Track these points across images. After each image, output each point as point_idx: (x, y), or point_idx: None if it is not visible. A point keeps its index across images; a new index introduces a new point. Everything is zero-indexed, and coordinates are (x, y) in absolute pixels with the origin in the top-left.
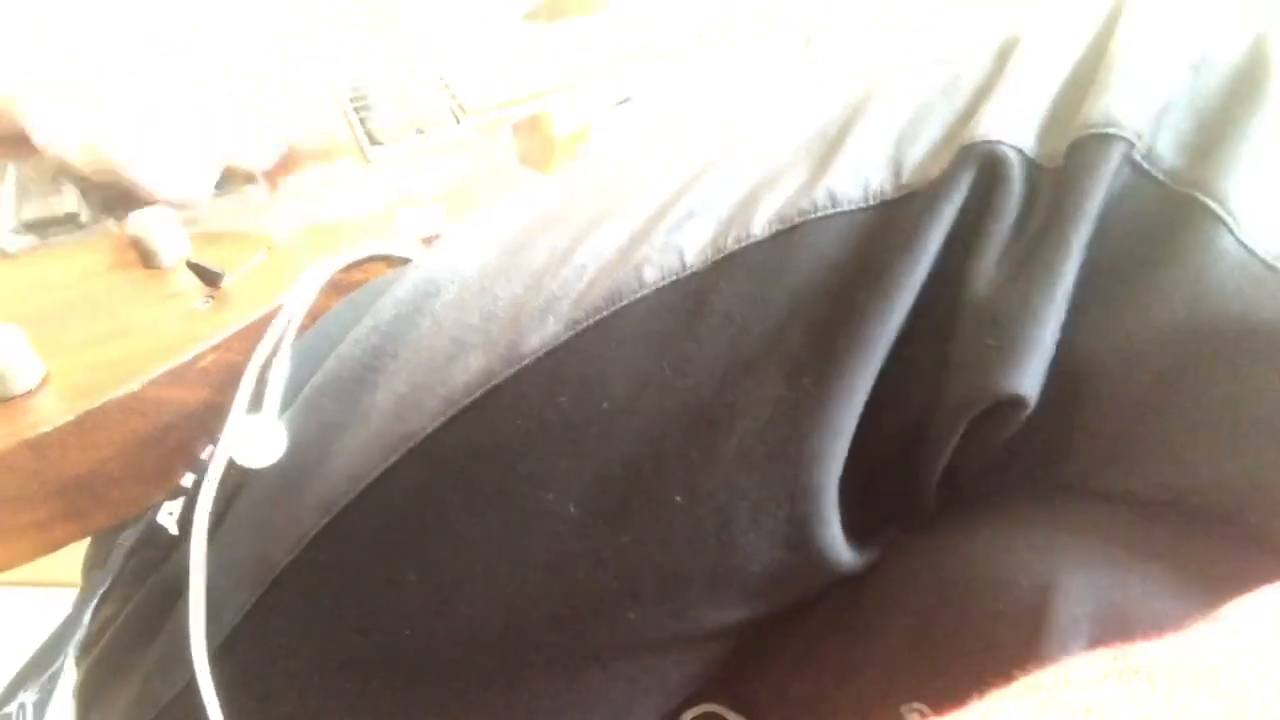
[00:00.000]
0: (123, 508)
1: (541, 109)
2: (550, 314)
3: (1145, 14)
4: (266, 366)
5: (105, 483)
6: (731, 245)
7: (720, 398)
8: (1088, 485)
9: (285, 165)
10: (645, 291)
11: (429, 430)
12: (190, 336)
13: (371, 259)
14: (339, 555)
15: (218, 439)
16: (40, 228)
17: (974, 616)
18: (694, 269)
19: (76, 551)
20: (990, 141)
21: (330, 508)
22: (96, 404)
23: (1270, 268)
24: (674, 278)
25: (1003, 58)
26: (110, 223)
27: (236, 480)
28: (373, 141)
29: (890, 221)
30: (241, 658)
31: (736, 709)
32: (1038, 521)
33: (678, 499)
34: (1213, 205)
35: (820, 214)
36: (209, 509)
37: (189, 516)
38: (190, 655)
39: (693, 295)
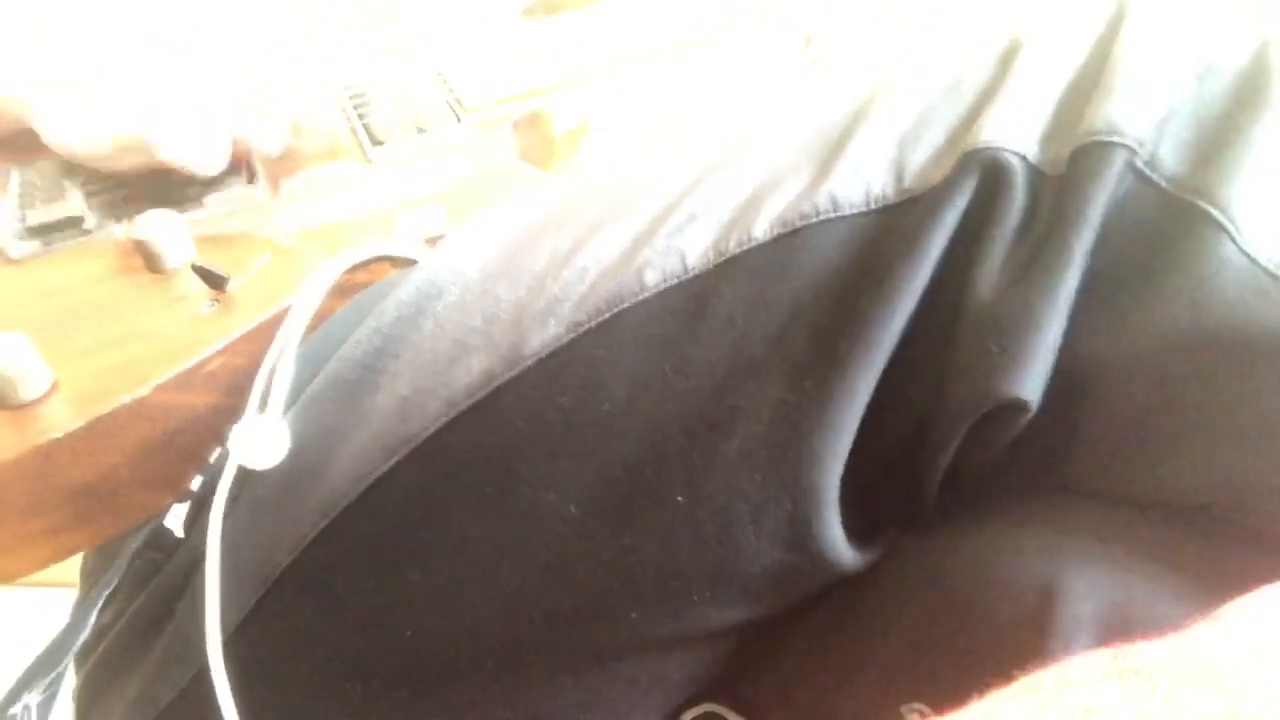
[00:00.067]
0: (132, 514)
1: (541, 106)
2: (552, 316)
3: (1148, 17)
4: (272, 369)
5: (114, 489)
6: (733, 248)
7: (722, 400)
8: (1089, 487)
9: (287, 166)
10: (647, 294)
11: (431, 431)
12: (196, 340)
13: (376, 259)
14: (340, 555)
15: (227, 442)
16: (45, 232)
17: (976, 617)
18: (696, 272)
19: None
20: (993, 148)
21: (332, 508)
22: (106, 410)
23: (1272, 276)
24: (675, 280)
25: (1005, 61)
26: (114, 226)
27: (240, 481)
28: (374, 141)
29: (892, 226)
30: (243, 657)
31: (737, 709)
32: (1039, 523)
33: (679, 500)
34: (1215, 213)
35: (822, 218)
36: (223, 512)
37: (194, 519)
38: (191, 656)
39: (694, 298)
